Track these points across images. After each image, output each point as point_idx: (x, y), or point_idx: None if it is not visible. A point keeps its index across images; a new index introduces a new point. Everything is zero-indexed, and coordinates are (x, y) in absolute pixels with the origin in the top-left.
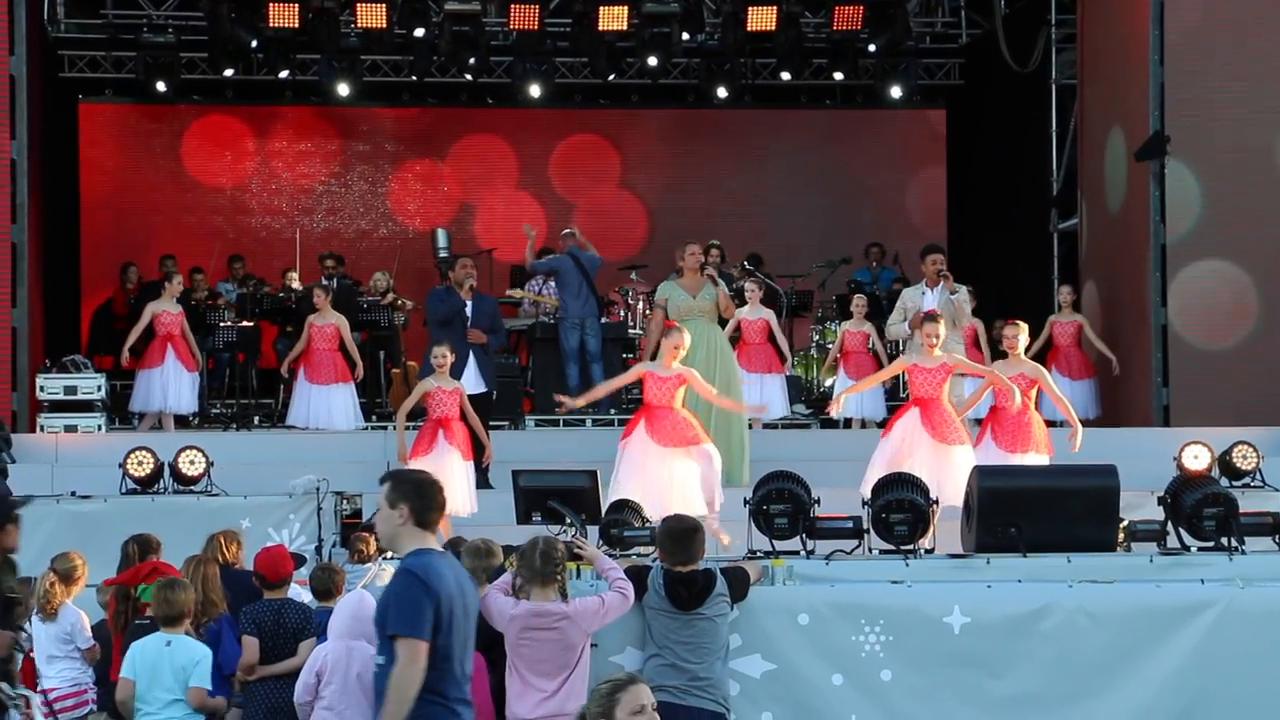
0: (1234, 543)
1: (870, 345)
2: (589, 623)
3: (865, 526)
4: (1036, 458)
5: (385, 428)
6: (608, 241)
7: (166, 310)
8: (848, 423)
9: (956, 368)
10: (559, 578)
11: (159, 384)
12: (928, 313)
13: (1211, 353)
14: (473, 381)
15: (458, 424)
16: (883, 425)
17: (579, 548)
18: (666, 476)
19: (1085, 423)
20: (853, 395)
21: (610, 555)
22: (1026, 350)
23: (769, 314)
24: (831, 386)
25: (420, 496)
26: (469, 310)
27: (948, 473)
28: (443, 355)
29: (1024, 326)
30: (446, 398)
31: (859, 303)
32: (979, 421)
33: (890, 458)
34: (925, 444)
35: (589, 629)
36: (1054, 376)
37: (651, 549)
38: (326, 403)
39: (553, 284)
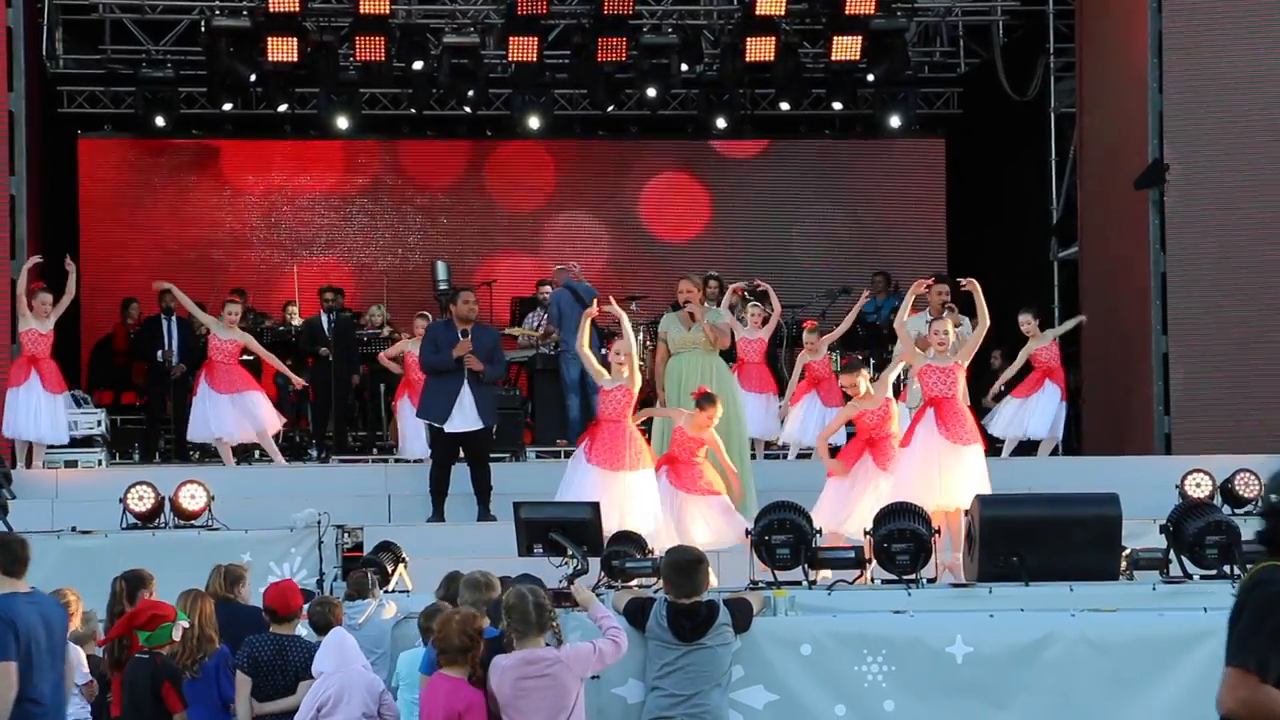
0: (1236, 570)
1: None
2: (582, 668)
3: (867, 556)
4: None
5: (386, 460)
6: (608, 272)
7: (215, 334)
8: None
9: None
10: (552, 625)
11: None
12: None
13: (1214, 380)
14: (470, 419)
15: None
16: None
17: (571, 590)
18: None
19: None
20: (795, 425)
21: (611, 587)
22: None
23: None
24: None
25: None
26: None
27: (960, 471)
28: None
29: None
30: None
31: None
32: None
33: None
34: (939, 445)
35: (582, 674)
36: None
37: (653, 580)
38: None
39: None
